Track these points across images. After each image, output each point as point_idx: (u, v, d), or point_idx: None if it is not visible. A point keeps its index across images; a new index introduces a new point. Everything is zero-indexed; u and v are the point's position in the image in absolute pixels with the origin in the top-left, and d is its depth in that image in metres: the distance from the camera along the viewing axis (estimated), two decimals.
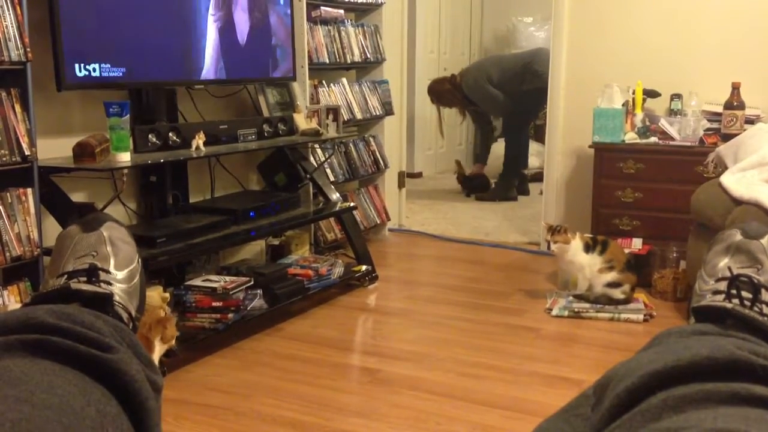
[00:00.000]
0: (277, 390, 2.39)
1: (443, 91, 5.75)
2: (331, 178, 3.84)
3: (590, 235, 3.27)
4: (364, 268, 3.56)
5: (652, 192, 3.52)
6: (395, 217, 4.71)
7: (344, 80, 4.10)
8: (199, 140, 2.88)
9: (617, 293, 3.13)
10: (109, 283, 1.00)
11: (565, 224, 3.24)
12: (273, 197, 3.35)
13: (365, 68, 4.37)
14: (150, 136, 2.79)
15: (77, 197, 2.77)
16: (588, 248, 3.17)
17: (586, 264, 3.16)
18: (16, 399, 0.67)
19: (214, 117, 3.35)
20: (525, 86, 5.39)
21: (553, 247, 3.16)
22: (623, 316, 3.05)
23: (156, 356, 2.13)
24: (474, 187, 5.95)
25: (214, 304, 2.76)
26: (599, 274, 3.14)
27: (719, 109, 3.55)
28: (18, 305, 2.32)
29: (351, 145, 4.15)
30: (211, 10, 3.07)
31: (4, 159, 2.35)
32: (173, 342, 2.25)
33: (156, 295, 2.50)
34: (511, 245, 4.33)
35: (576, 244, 3.16)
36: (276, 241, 3.57)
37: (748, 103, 3.49)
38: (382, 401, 2.31)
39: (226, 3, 3.14)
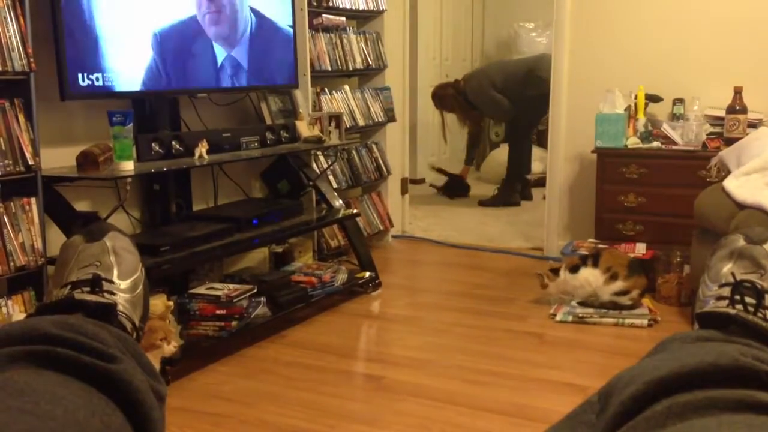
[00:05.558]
0: (280, 397, 2.38)
1: (446, 96, 5.77)
2: (334, 185, 3.84)
3: (579, 254, 3.26)
4: (367, 274, 3.56)
5: (656, 197, 3.52)
6: (398, 223, 4.71)
7: (346, 87, 4.10)
8: (202, 148, 2.88)
9: (625, 300, 3.11)
10: (113, 293, 0.99)
11: (541, 271, 3.26)
12: (276, 205, 3.36)
13: (367, 75, 4.37)
14: (153, 144, 2.80)
15: (81, 206, 2.77)
16: (576, 268, 3.15)
17: (582, 283, 3.14)
18: (20, 410, 0.67)
19: (217, 125, 3.36)
20: (529, 92, 5.39)
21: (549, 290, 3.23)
22: (627, 321, 3.04)
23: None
24: (449, 189, 5.99)
25: (217, 311, 2.76)
26: (604, 286, 3.12)
27: (722, 113, 3.55)
28: (22, 315, 2.33)
29: (353, 151, 4.15)
30: (212, 19, 3.08)
31: (8, 169, 2.35)
32: (164, 348, 2.24)
33: (160, 303, 2.50)
34: (514, 251, 4.32)
35: (561, 277, 3.18)
36: (279, 249, 3.57)
37: (751, 107, 3.49)
38: (386, 408, 2.31)
39: (227, 11, 3.15)
